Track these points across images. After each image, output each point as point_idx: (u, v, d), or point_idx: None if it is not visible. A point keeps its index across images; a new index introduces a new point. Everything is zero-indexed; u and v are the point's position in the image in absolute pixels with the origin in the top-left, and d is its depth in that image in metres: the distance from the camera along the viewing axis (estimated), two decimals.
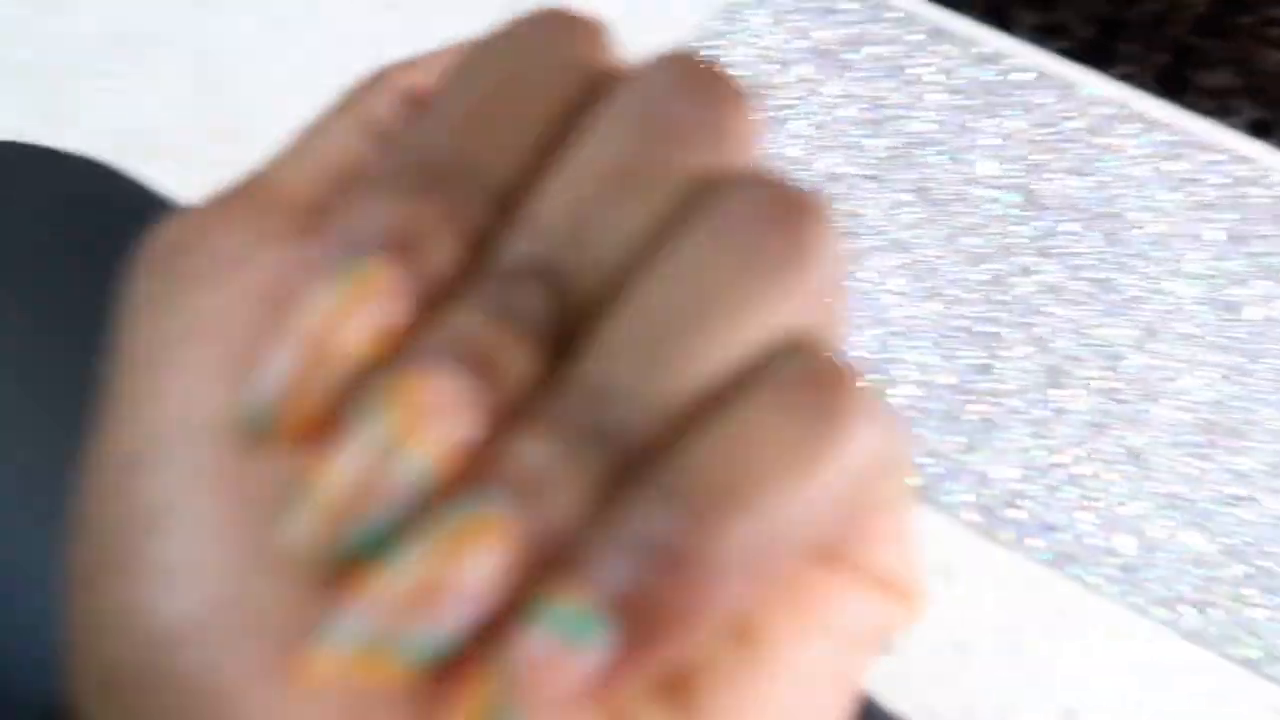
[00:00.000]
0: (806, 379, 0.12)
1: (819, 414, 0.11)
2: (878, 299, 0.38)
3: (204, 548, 0.12)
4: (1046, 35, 0.69)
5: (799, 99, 0.46)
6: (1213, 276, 0.42)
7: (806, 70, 0.47)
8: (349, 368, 0.12)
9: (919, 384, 0.30)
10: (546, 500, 0.11)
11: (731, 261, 0.12)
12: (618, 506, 0.11)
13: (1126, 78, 0.63)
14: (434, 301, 0.12)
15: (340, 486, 0.11)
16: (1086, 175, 0.46)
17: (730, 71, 0.13)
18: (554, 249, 0.12)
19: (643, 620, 0.11)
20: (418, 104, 0.16)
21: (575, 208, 0.13)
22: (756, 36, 0.47)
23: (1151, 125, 0.48)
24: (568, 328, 0.12)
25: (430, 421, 0.11)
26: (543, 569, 0.11)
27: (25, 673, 0.20)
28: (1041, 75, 0.50)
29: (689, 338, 0.12)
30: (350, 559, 0.11)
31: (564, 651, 0.11)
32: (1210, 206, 0.45)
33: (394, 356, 0.12)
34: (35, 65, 0.39)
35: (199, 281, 0.14)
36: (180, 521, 0.12)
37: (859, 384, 0.12)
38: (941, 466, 0.33)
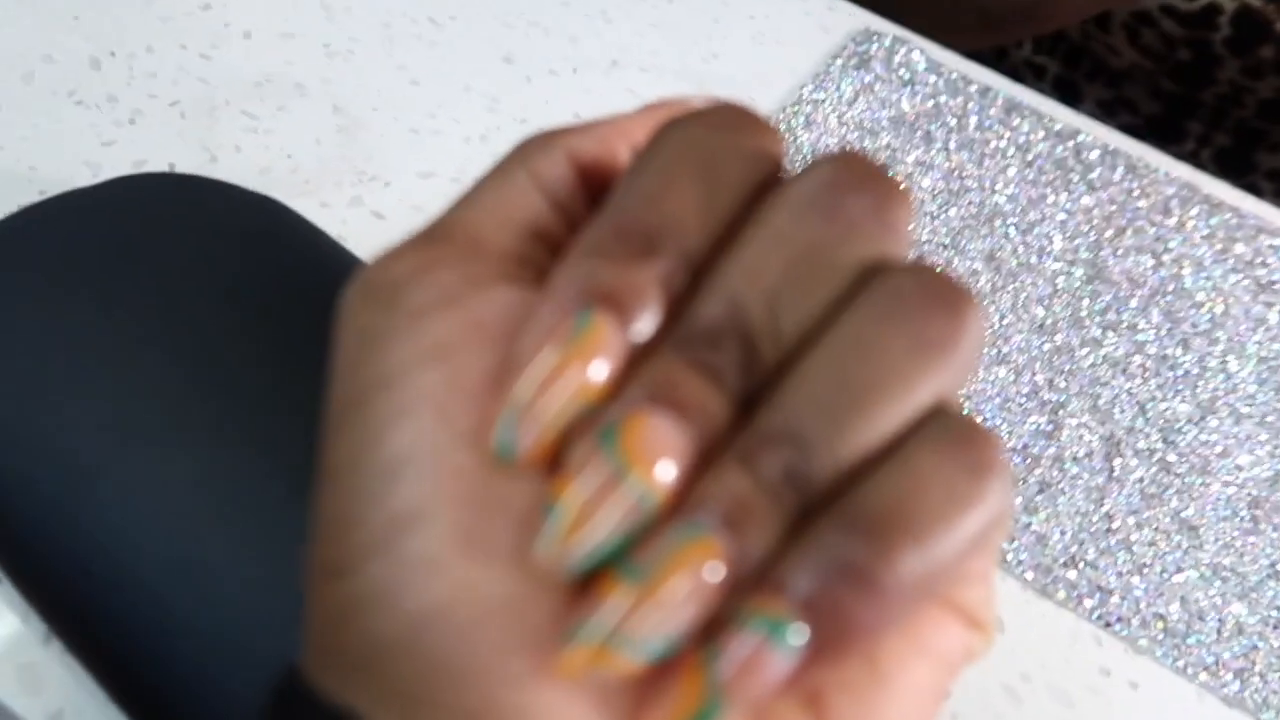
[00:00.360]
0: (964, 438, 0.14)
1: (975, 467, 0.14)
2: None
3: (455, 545, 0.14)
4: (1113, 110, 0.71)
5: None
6: (1270, 358, 0.44)
7: (889, 139, 0.50)
8: (578, 407, 0.14)
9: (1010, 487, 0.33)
10: (750, 529, 0.14)
11: (904, 341, 0.14)
12: (807, 534, 0.14)
13: (1189, 156, 0.65)
14: (643, 350, 0.15)
15: (579, 510, 0.14)
16: (1152, 253, 0.48)
17: (890, 171, 0.16)
18: (748, 317, 0.15)
19: (831, 628, 0.13)
20: (585, 170, 0.18)
21: (768, 284, 0.15)
22: (845, 105, 0.50)
23: (1216, 207, 0.50)
24: (753, 383, 0.15)
25: (652, 457, 0.14)
26: (744, 586, 0.14)
27: (230, 659, 0.23)
28: (1112, 152, 0.52)
29: (868, 403, 0.14)
30: (588, 569, 0.14)
31: (764, 652, 0.13)
32: (1270, 289, 0.47)
33: (612, 397, 0.14)
34: (191, 105, 0.43)
35: (425, 314, 0.15)
36: (435, 523, 0.14)
37: (998, 444, 0.15)
38: None
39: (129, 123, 0.42)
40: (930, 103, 0.52)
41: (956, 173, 0.49)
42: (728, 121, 0.16)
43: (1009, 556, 0.35)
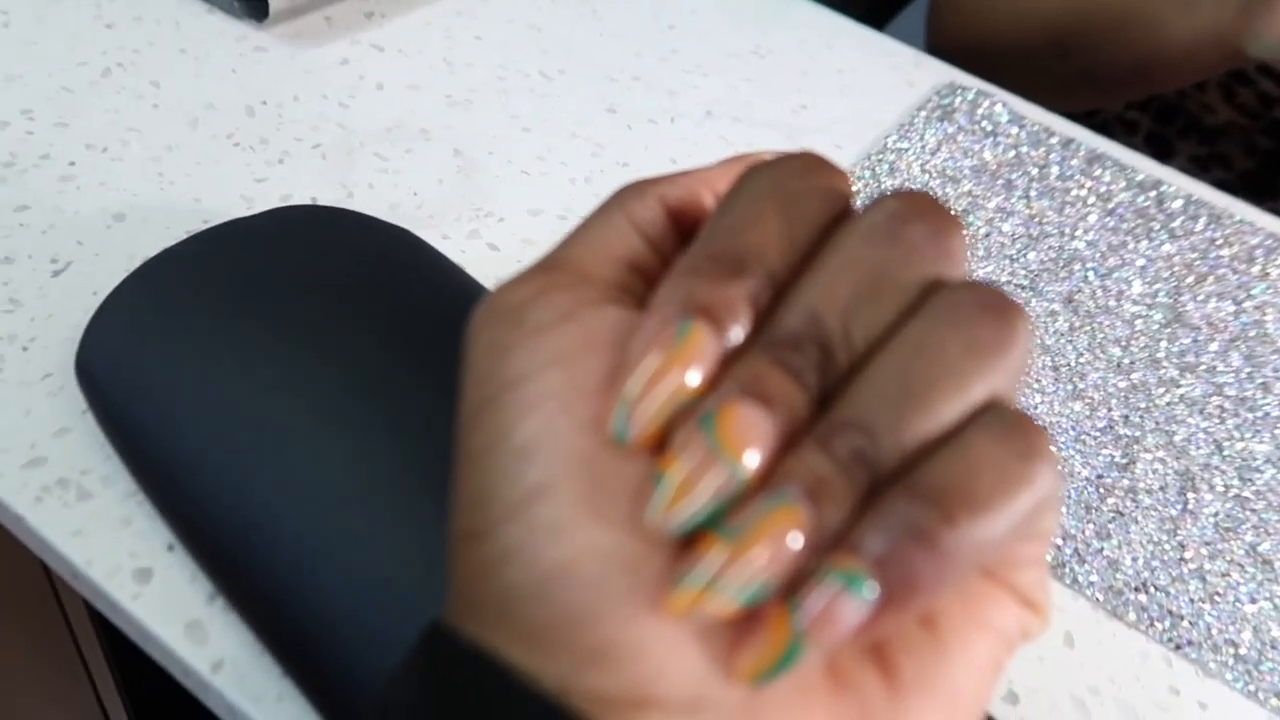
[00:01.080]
0: (1015, 426, 0.17)
1: (1024, 452, 0.16)
2: (1023, 396, 0.43)
3: (577, 512, 0.17)
4: (1206, 165, 0.72)
5: (963, 212, 0.51)
6: None
7: (970, 187, 0.52)
8: (681, 400, 0.17)
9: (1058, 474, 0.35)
10: (826, 500, 0.16)
11: (960, 343, 0.17)
12: (877, 504, 0.16)
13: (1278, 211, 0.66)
14: (734, 354, 0.17)
15: (682, 482, 0.16)
16: (1234, 300, 0.49)
17: (944, 202, 0.18)
18: (824, 326, 0.17)
19: (898, 582, 0.15)
20: (674, 213, 0.20)
21: (841, 299, 0.17)
22: (928, 155, 0.53)
23: None
24: (828, 382, 0.17)
25: (743, 440, 0.16)
26: (822, 548, 0.16)
27: (374, 612, 0.26)
28: (1195, 202, 0.53)
29: (928, 396, 0.17)
30: (689, 530, 0.16)
31: (840, 603, 0.15)
32: None
33: (709, 392, 0.17)
34: (331, 148, 0.47)
35: (545, 330, 0.18)
36: (560, 494, 0.17)
37: (1046, 435, 0.17)
38: (1071, 548, 0.37)
39: (278, 162, 0.47)
40: (1012, 153, 0.54)
41: (1037, 219, 0.51)
42: (802, 166, 0.19)
43: (1080, 578, 0.36)
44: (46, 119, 0.46)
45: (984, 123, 0.55)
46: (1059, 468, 0.17)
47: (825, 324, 0.17)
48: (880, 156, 0.52)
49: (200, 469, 0.29)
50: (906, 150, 0.53)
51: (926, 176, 0.52)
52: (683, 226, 0.21)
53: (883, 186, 0.51)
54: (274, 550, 0.27)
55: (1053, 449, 0.17)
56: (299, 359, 0.31)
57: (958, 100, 0.56)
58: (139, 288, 0.35)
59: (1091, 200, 0.53)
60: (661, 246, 0.20)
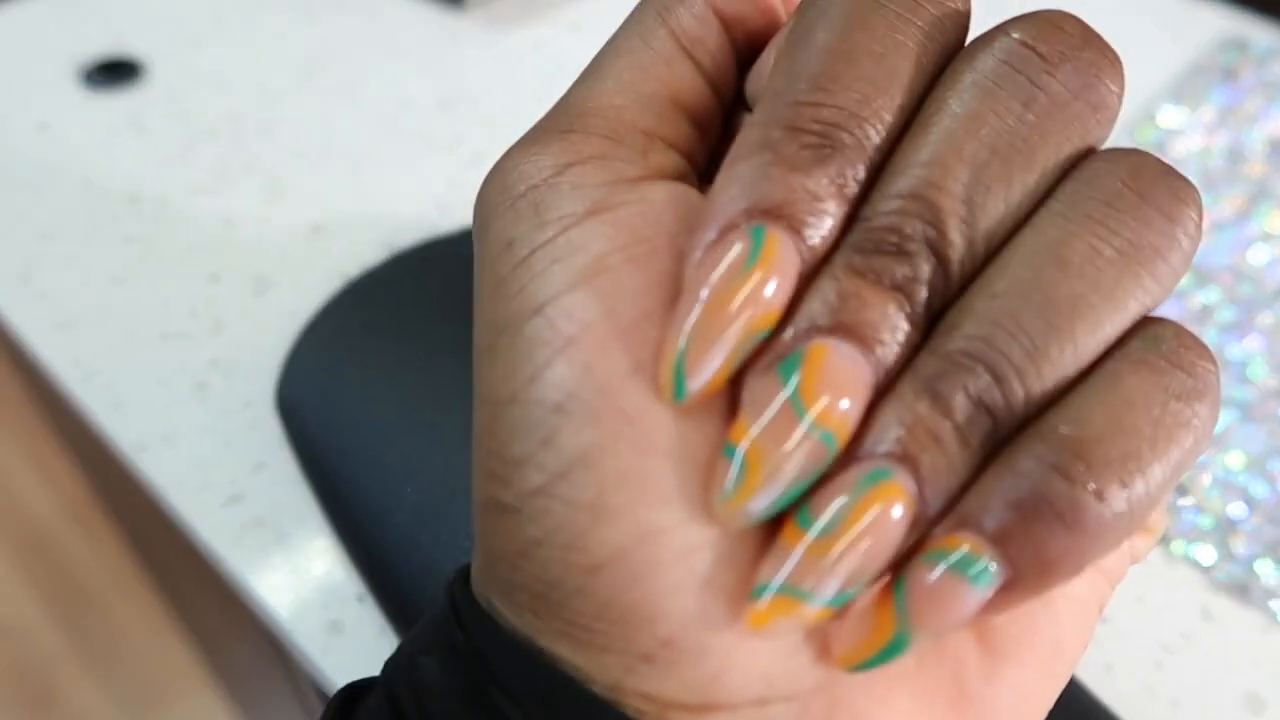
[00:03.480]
0: (1177, 357, 0.12)
1: (1194, 390, 0.12)
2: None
3: (627, 491, 0.13)
4: None
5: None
6: None
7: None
8: (754, 337, 0.12)
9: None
10: (940, 469, 0.12)
11: (1116, 250, 0.12)
12: (1001, 464, 0.12)
13: None
14: (817, 266, 0.13)
15: (760, 456, 0.12)
16: None
17: (1095, 32, 0.13)
18: (938, 224, 0.12)
19: (1027, 565, 0.12)
20: (730, 23, 0.15)
21: (963, 184, 0.13)
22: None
23: None
24: (943, 299, 0.13)
25: (837, 394, 0.12)
26: (936, 518, 0.12)
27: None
28: None
29: (1076, 324, 0.12)
30: (770, 513, 0.12)
31: (956, 587, 0.12)
32: None
33: (787, 320, 0.13)
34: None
35: (574, 226, 0.13)
36: (605, 467, 0.13)
37: (1213, 359, 0.13)
38: None
39: (471, 165, 0.45)
40: None
41: None
42: None
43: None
44: (251, 125, 0.47)
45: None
46: (1220, 399, 0.13)
47: (940, 218, 0.13)
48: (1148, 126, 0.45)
49: (392, 517, 0.28)
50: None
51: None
52: (743, 43, 0.16)
53: None
54: (418, 528, 0.25)
55: (1218, 377, 0.13)
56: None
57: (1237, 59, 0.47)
58: (337, 316, 0.34)
59: None
60: (717, 76, 0.15)
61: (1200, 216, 0.13)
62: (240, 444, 0.34)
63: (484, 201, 0.15)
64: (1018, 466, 0.12)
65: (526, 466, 0.13)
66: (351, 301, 0.34)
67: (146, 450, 0.34)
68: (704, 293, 0.12)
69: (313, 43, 0.52)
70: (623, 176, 0.14)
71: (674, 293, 0.13)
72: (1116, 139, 0.44)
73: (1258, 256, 0.40)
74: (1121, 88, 0.13)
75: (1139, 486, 0.12)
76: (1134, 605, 0.30)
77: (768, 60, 0.15)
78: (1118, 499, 0.12)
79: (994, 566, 0.12)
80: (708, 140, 0.16)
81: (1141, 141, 0.45)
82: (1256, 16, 0.51)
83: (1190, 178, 0.45)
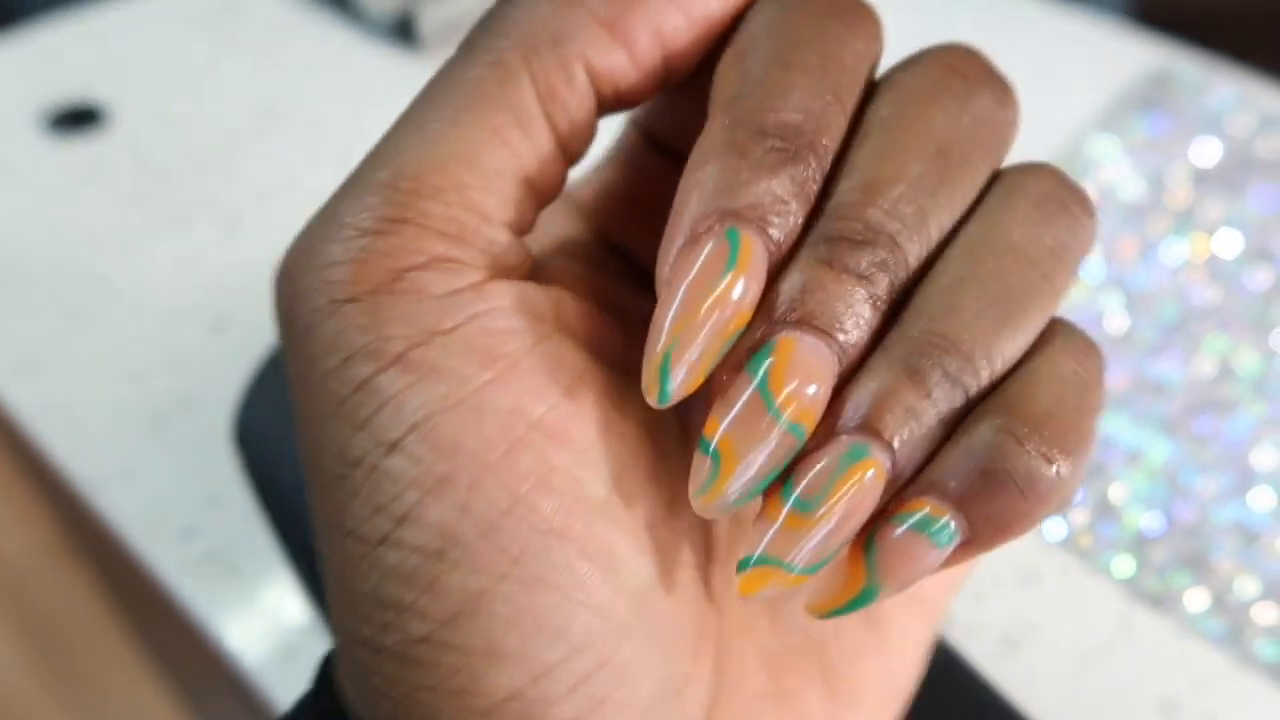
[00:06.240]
0: (1087, 344, 0.14)
1: (1099, 374, 0.14)
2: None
3: (521, 630, 0.13)
4: None
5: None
6: None
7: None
8: (728, 334, 0.13)
9: None
10: (914, 443, 0.13)
11: (1051, 243, 0.14)
12: (963, 437, 0.13)
13: None
14: (782, 264, 0.13)
15: (731, 445, 0.13)
16: None
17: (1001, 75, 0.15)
18: (896, 214, 0.14)
19: (984, 525, 0.13)
20: (598, 77, 0.14)
21: (912, 179, 0.14)
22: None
23: None
24: (902, 287, 0.14)
25: (806, 383, 0.13)
26: (903, 485, 0.13)
27: None
28: None
29: (1026, 308, 0.14)
30: (745, 500, 0.13)
31: (920, 545, 0.13)
32: None
33: (756, 320, 0.13)
34: None
35: (421, 342, 0.13)
36: (496, 612, 0.13)
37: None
38: None
39: None
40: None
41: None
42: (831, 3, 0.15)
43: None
44: (212, 167, 0.48)
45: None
46: None
47: (897, 209, 0.13)
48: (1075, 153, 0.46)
49: None
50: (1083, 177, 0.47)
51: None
52: (610, 101, 0.15)
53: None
54: None
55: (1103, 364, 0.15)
56: None
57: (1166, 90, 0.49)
58: None
59: None
60: (572, 140, 0.14)
61: (1096, 217, 0.15)
62: (197, 478, 0.35)
63: (299, 294, 0.13)
64: (978, 440, 0.13)
65: (408, 614, 0.13)
66: None
67: (107, 485, 0.35)
68: (681, 295, 0.13)
69: (272, 85, 0.53)
70: (467, 283, 0.13)
71: (543, 410, 0.13)
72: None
73: (1178, 280, 0.42)
74: (1018, 114, 0.15)
75: (1080, 456, 0.13)
76: (1055, 616, 0.32)
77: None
78: (1062, 467, 0.13)
79: (956, 527, 0.13)
80: (544, 206, 0.15)
81: (1070, 168, 0.47)
82: (1183, 48, 0.53)
83: (1117, 204, 0.47)
